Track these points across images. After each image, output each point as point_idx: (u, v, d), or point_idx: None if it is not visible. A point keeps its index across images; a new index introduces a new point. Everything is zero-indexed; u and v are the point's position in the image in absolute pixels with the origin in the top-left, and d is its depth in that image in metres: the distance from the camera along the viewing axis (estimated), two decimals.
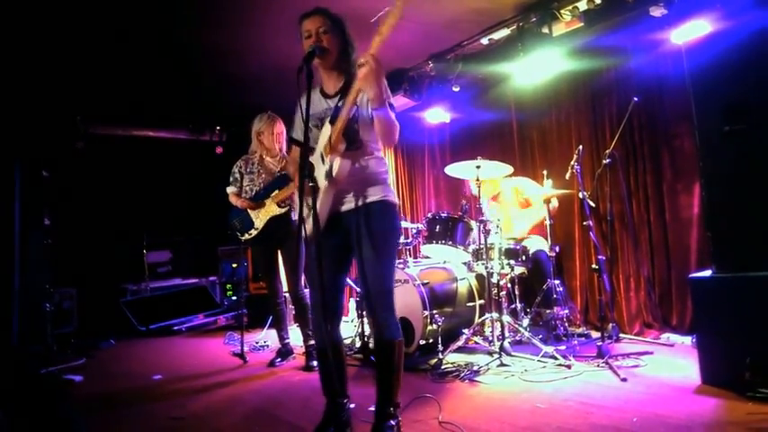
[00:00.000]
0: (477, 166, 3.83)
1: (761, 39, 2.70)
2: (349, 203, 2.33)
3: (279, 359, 4.03)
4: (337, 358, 2.38)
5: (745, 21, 2.77)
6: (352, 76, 2.32)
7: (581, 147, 3.90)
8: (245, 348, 4.34)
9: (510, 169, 4.08)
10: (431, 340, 3.77)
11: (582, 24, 3.91)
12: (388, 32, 1.94)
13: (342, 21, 2.33)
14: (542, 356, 3.43)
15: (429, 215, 4.22)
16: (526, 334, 3.68)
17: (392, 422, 2.27)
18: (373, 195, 2.32)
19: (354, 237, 2.31)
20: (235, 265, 6.79)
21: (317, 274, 2.11)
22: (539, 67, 4.29)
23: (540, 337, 3.80)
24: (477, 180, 3.85)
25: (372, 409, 2.33)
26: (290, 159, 2.58)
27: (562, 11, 3.98)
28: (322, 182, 2.28)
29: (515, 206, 4.58)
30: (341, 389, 2.37)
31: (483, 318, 3.87)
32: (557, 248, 4.17)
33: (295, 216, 3.77)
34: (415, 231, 4.26)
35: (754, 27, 2.72)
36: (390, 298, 2.29)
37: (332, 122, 2.24)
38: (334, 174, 2.21)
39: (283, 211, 3.84)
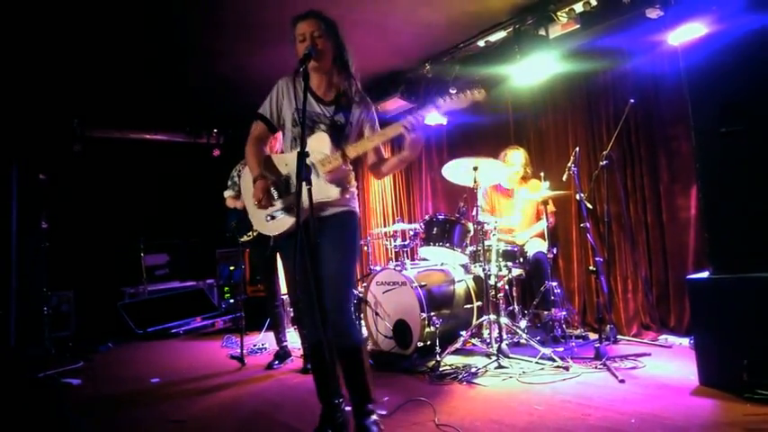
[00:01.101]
0: (475, 168, 3.82)
1: (757, 40, 2.71)
2: (319, 211, 2.32)
3: (277, 362, 4.02)
4: (332, 357, 2.38)
5: (740, 22, 2.78)
6: (346, 83, 2.36)
7: (578, 148, 3.91)
8: (243, 351, 4.33)
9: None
10: (428, 342, 3.77)
11: (578, 26, 3.93)
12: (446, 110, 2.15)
13: (335, 24, 2.33)
14: (540, 358, 3.43)
15: (426, 217, 4.22)
16: (524, 336, 3.68)
17: (374, 417, 2.30)
18: (341, 206, 2.36)
19: (320, 243, 2.29)
20: (232, 268, 6.79)
21: (312, 275, 2.10)
22: (535, 69, 4.30)
23: (538, 338, 3.81)
24: (475, 182, 3.84)
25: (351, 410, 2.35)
26: (249, 137, 2.49)
27: (558, 13, 3.99)
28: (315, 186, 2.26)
29: (529, 210, 4.58)
30: (335, 388, 2.37)
31: (481, 320, 3.87)
32: (554, 250, 4.17)
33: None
34: (412, 233, 4.26)
35: (750, 29, 2.73)
36: (350, 304, 2.33)
37: (335, 140, 2.28)
38: (328, 198, 2.25)
39: None
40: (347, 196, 2.39)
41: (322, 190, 2.24)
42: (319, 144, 2.28)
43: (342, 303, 2.27)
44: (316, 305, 2.28)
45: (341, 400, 2.38)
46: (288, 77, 2.39)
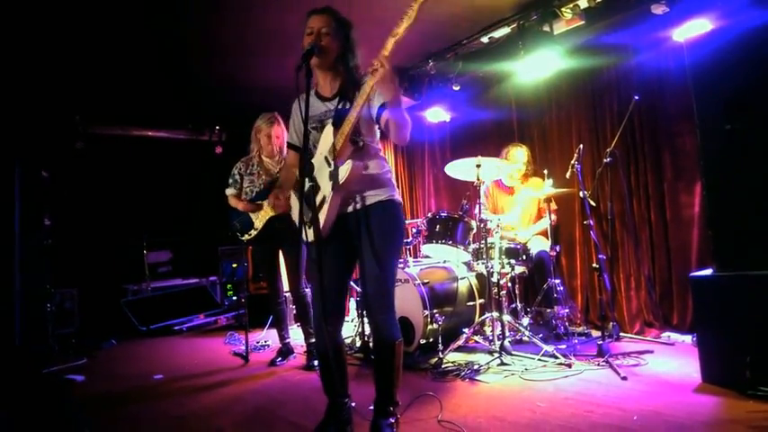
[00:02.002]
0: (478, 165, 3.82)
1: (763, 37, 2.69)
2: (353, 204, 2.32)
3: (279, 358, 4.03)
4: (338, 360, 2.38)
5: (746, 19, 2.76)
6: (349, 80, 2.33)
7: (581, 146, 3.90)
8: (247, 348, 4.33)
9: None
10: (431, 339, 3.77)
11: (583, 22, 3.91)
12: (403, 33, 1.96)
13: (348, 25, 2.32)
14: (543, 355, 3.43)
15: (429, 215, 4.21)
16: (526, 333, 3.68)
17: (391, 420, 2.28)
18: (378, 195, 2.32)
19: (358, 237, 2.31)
20: (235, 265, 6.79)
21: (318, 278, 2.10)
22: (539, 66, 4.29)
23: (541, 336, 3.80)
24: (477, 180, 3.84)
25: (372, 408, 2.34)
26: (285, 164, 2.57)
27: (563, 9, 3.97)
28: (326, 184, 2.26)
29: (530, 207, 4.57)
30: (342, 389, 2.38)
31: (483, 317, 3.86)
32: (557, 248, 4.16)
33: (295, 216, 3.76)
34: (414, 231, 4.26)
35: (755, 25, 2.72)
36: (391, 298, 2.29)
37: (336, 125, 2.24)
38: (342, 178, 2.20)
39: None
40: (386, 177, 2.35)
41: (341, 171, 2.21)
42: (326, 137, 2.28)
43: (377, 296, 2.26)
44: (320, 305, 2.29)
45: (347, 399, 2.38)
46: (297, 97, 2.38)
